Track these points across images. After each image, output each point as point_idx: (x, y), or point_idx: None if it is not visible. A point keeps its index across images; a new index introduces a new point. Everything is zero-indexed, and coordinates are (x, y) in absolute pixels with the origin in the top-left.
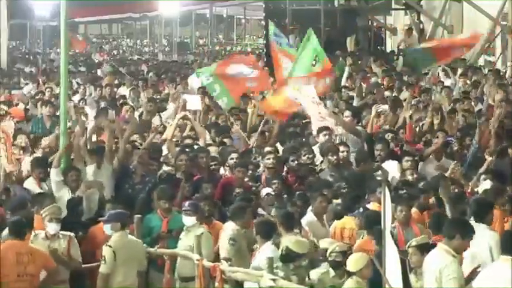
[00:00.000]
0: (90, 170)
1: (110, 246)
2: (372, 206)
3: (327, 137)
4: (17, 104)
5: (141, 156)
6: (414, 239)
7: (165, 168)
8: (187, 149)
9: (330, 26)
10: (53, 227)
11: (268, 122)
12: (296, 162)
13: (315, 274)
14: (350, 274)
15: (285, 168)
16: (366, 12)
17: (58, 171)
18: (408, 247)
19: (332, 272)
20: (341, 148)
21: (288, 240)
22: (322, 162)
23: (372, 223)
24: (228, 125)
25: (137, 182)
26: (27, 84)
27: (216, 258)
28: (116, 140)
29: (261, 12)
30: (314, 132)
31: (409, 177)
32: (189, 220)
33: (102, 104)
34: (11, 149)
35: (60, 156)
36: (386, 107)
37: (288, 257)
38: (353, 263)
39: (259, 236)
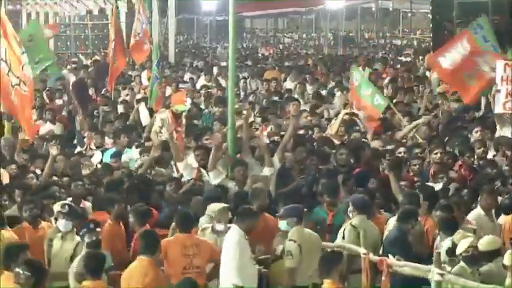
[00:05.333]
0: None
1: (294, 241)
2: None
3: (478, 133)
4: None
5: (296, 151)
6: None
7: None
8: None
9: (499, 18)
10: (221, 227)
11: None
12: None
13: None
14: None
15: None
16: None
17: (216, 173)
18: None
19: (468, 268)
20: None
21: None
22: (494, 155)
23: None
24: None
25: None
26: (191, 78)
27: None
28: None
29: (427, 6)
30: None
31: None
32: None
33: (276, 99)
34: (182, 144)
35: (215, 158)
36: None
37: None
38: (507, 256)
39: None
